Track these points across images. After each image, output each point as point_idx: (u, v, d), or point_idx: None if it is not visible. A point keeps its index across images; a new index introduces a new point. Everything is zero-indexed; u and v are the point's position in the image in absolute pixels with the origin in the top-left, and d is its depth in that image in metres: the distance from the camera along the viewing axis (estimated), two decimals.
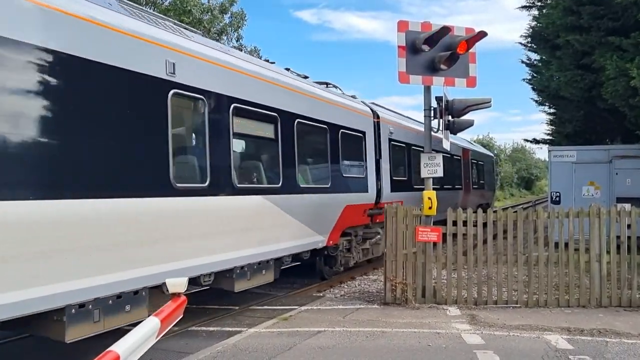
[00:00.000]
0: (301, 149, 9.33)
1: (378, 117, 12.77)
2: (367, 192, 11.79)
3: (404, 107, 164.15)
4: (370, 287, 10.71)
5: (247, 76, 7.94)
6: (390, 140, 13.33)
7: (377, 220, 12.46)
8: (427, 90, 8.92)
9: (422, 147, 14.83)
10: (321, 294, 10.20)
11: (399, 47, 8.49)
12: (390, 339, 6.62)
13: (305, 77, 10.72)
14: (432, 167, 8.87)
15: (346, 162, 11.11)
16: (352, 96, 12.58)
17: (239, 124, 7.67)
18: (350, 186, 11.11)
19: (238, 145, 8.02)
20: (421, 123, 16.41)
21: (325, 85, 11.68)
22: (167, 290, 5.92)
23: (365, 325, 7.35)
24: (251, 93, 7.93)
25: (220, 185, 7.16)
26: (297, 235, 9.11)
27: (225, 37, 22.91)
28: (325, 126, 10.26)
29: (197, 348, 6.44)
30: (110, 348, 2.80)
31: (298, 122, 9.18)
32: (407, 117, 16.70)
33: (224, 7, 22.70)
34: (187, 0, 20.38)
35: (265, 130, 8.58)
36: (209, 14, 21.90)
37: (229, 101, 7.41)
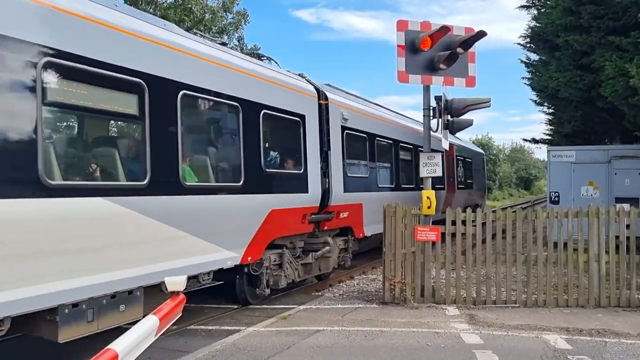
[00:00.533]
0: (190, 132, 7.13)
1: (326, 98, 10.29)
2: (306, 192, 9.38)
3: (404, 106, 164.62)
4: (369, 287, 10.71)
5: (78, 18, 5.39)
6: (344, 128, 10.89)
7: (326, 228, 10.28)
8: (427, 89, 8.94)
9: (390, 139, 13.58)
10: (320, 293, 10.22)
11: (398, 46, 8.51)
12: (388, 338, 6.62)
13: (223, 44, 8.79)
14: (431, 167, 8.87)
15: (272, 153, 8.86)
16: (299, 74, 10.25)
17: (60, 90, 5.35)
18: (278, 185, 8.71)
19: (57, 121, 5.77)
20: (390, 111, 16.10)
21: (257, 57, 9.61)
22: None
23: (364, 324, 7.35)
24: (86, 45, 5.42)
25: (10, 182, 4.69)
26: (184, 253, 6.67)
27: (226, 37, 22.95)
28: (236, 103, 7.75)
29: (196, 347, 6.43)
30: (109, 346, 2.81)
31: (185, 94, 6.73)
32: (372, 102, 14.24)
33: (226, 6, 22.77)
34: None
35: (121, 103, 6.20)
36: (212, 14, 21.93)
37: (37, 53, 4.95)
